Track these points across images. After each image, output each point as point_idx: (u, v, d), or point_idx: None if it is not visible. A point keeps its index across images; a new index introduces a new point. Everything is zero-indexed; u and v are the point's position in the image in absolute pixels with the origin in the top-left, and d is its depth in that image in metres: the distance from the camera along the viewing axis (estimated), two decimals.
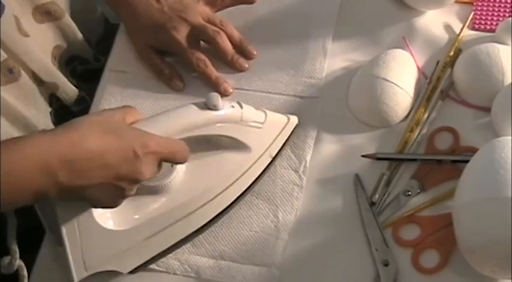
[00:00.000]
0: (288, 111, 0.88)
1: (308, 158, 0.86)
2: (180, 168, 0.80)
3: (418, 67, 0.90)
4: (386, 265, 0.78)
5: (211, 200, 0.81)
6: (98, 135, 0.66)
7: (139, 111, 0.75)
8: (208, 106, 0.76)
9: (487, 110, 0.85)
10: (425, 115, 0.87)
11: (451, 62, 0.89)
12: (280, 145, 0.85)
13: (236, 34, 0.94)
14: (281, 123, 0.85)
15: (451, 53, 0.90)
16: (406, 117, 0.87)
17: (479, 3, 0.94)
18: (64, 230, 0.73)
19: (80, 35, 0.97)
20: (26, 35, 0.86)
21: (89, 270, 0.77)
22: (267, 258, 0.80)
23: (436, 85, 0.88)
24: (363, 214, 0.81)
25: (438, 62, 0.90)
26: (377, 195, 0.82)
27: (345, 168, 0.85)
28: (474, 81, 0.86)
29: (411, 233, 0.80)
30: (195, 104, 0.77)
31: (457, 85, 0.88)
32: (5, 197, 0.62)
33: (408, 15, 0.95)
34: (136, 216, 0.78)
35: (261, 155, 0.83)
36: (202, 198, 0.81)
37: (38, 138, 0.64)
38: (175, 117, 0.76)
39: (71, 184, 0.64)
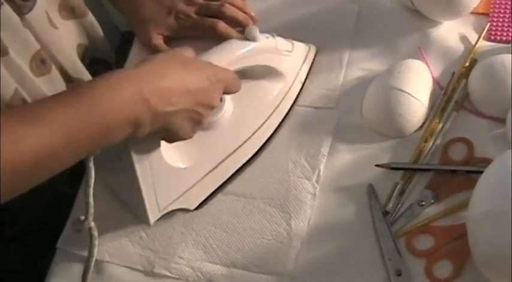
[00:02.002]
0: (303, 122, 0.90)
1: (322, 166, 0.86)
2: (228, 104, 0.85)
3: (433, 77, 0.90)
4: (399, 275, 0.78)
5: (260, 127, 0.87)
6: (176, 65, 0.71)
7: (191, 50, 0.78)
8: (248, 38, 0.82)
9: (501, 121, 0.84)
10: (440, 125, 0.86)
11: (466, 73, 0.89)
12: (307, 70, 0.91)
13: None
14: (304, 51, 0.91)
15: (467, 64, 0.90)
16: (421, 127, 0.87)
17: (495, 15, 0.94)
18: (140, 177, 0.77)
19: (102, 35, 0.99)
20: (56, 27, 0.87)
21: (162, 210, 0.82)
22: (279, 267, 0.80)
23: (451, 96, 0.88)
24: (376, 223, 0.81)
25: (454, 73, 0.90)
26: (390, 205, 0.82)
27: (359, 177, 0.85)
28: (489, 92, 0.86)
29: (425, 243, 0.79)
30: (236, 38, 0.83)
31: (472, 96, 0.88)
32: (106, 129, 0.64)
33: (424, 25, 0.95)
34: (197, 153, 0.83)
35: (294, 81, 0.89)
36: (251, 128, 0.87)
37: (125, 71, 0.68)
38: (223, 52, 0.81)
39: (161, 110, 0.67)
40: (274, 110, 0.89)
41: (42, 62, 0.85)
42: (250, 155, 0.88)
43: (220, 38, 0.92)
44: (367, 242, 0.80)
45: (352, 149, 0.87)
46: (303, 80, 0.91)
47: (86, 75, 0.94)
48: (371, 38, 0.96)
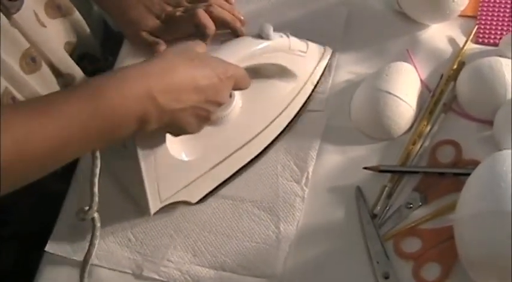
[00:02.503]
0: (292, 124, 0.89)
1: (310, 169, 0.86)
2: (238, 100, 0.85)
3: (421, 80, 0.90)
4: (387, 278, 0.78)
5: (266, 126, 0.87)
6: (186, 62, 0.70)
7: (204, 44, 0.79)
8: (261, 36, 0.82)
9: (489, 123, 0.85)
10: (428, 128, 0.87)
11: (454, 75, 0.89)
12: (320, 73, 0.91)
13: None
14: (319, 52, 0.91)
15: (455, 66, 0.90)
16: (409, 129, 0.87)
17: (483, 17, 0.94)
18: (143, 166, 0.77)
19: (88, 32, 0.99)
20: (44, 26, 0.87)
21: (163, 201, 0.82)
22: (268, 269, 0.80)
23: (439, 98, 0.88)
24: (364, 226, 0.81)
25: (442, 75, 0.90)
26: (378, 208, 0.82)
27: (347, 180, 0.85)
28: (477, 94, 0.86)
29: (412, 245, 0.80)
30: (250, 35, 0.83)
31: (459, 98, 0.88)
32: (114, 125, 0.65)
33: (412, 28, 0.95)
34: (202, 147, 0.83)
35: (306, 82, 0.89)
36: (259, 127, 0.87)
37: (136, 67, 0.68)
38: (236, 49, 0.81)
39: (169, 108, 0.68)
40: (284, 110, 0.88)
41: (32, 59, 0.85)
42: (256, 154, 0.87)
43: (197, 28, 0.92)
44: (355, 245, 0.81)
45: (341, 151, 0.87)
46: (315, 82, 0.90)
47: (76, 70, 0.94)
48: (359, 40, 0.96)
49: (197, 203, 0.86)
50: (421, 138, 0.86)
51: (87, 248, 0.76)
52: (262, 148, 0.87)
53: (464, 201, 0.74)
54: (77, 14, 0.96)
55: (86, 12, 1.02)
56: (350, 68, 0.94)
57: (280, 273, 0.80)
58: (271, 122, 0.87)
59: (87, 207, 0.73)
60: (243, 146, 0.86)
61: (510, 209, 0.68)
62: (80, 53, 0.99)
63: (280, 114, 0.88)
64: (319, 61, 0.91)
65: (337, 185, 0.85)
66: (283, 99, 0.88)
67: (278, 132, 0.88)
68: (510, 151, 0.74)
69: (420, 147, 0.86)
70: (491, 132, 0.85)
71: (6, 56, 0.80)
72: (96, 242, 0.76)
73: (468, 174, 0.76)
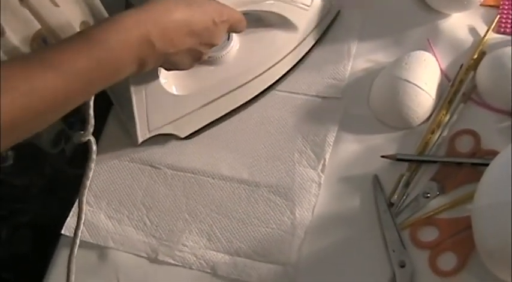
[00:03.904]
0: (309, 111, 0.89)
1: (327, 156, 0.85)
2: (235, 43, 0.87)
3: (441, 69, 0.89)
4: (402, 266, 0.77)
5: (261, 73, 0.88)
6: (183, 7, 0.72)
7: None
8: None
9: (508, 113, 0.84)
10: (447, 117, 0.86)
11: (475, 65, 0.88)
12: (324, 29, 0.92)
13: None
14: (324, 9, 0.92)
15: (475, 56, 0.89)
16: (428, 119, 0.87)
17: (505, 7, 0.93)
18: (133, 94, 0.79)
19: (104, 12, 0.98)
20: (57, 5, 0.87)
21: (152, 131, 0.86)
22: (283, 256, 0.80)
23: (458, 87, 0.88)
24: (380, 215, 0.81)
25: (462, 65, 0.89)
26: (395, 196, 0.81)
27: (364, 168, 0.84)
28: (497, 84, 0.85)
29: (429, 234, 0.79)
30: None
31: (479, 88, 0.87)
32: (115, 71, 0.68)
33: (433, 17, 0.94)
34: (195, 84, 0.85)
35: (307, 36, 0.90)
36: (254, 72, 0.88)
37: (133, 13, 0.69)
38: None
39: (164, 51, 0.71)
40: (281, 60, 0.89)
41: (43, 41, 0.85)
42: (248, 99, 0.90)
43: None
44: (371, 233, 0.80)
45: (358, 140, 0.87)
46: (317, 38, 0.92)
47: None
48: (379, 29, 0.95)
49: (186, 138, 0.88)
50: (439, 127, 0.85)
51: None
52: (254, 94, 0.90)
53: (482, 192, 0.74)
54: None
55: None
56: (369, 56, 0.93)
57: (294, 260, 0.80)
58: (267, 70, 0.89)
59: (82, 132, 0.74)
60: (236, 88, 0.87)
61: None
62: None
63: (276, 63, 0.89)
64: (324, 16, 0.92)
65: (354, 173, 0.85)
66: (281, 49, 0.89)
67: (273, 81, 0.90)
68: None
69: (439, 137, 0.85)
70: (510, 122, 0.84)
71: (15, 37, 0.80)
72: (93, 165, 0.76)
73: (486, 165, 0.75)
